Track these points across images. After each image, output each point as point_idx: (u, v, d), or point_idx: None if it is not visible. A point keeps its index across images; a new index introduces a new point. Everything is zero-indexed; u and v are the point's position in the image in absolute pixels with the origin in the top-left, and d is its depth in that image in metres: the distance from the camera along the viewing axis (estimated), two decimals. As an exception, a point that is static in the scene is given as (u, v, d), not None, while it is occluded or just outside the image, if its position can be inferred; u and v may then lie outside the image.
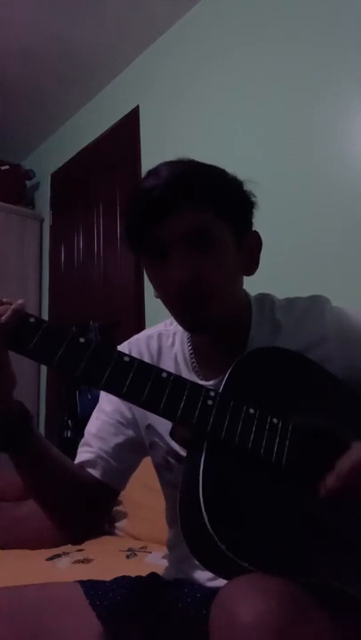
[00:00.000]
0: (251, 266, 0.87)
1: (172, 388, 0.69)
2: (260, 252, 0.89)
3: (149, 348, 0.94)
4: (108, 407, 0.94)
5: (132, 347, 0.95)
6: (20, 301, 0.69)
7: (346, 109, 1.87)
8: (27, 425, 0.76)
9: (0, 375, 0.70)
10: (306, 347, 0.83)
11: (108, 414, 0.93)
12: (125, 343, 0.98)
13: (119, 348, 0.97)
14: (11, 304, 0.69)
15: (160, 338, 0.95)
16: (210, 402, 0.69)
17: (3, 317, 0.67)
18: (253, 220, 0.87)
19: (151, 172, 0.82)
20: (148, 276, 0.86)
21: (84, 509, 0.89)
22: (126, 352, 0.93)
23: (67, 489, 0.86)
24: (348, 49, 1.88)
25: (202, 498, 0.63)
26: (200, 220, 0.79)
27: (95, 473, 0.90)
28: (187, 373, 0.89)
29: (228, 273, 0.83)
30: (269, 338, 0.86)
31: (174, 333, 0.94)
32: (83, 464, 0.91)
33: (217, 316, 0.80)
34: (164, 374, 0.70)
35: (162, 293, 0.84)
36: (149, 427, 0.90)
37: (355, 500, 0.69)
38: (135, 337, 0.98)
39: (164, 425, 0.84)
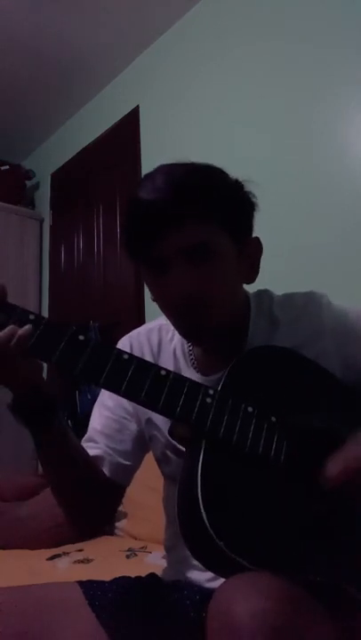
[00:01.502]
0: (251, 273, 0.86)
1: (171, 386, 0.69)
2: (260, 259, 0.87)
3: (150, 341, 0.94)
4: (110, 402, 0.95)
5: (132, 340, 0.96)
6: (26, 327, 0.67)
7: (346, 109, 1.87)
8: (54, 405, 0.78)
9: (23, 367, 0.71)
10: (303, 342, 0.83)
11: (111, 410, 0.94)
12: (126, 337, 0.98)
13: (120, 341, 0.97)
14: (14, 307, 0.69)
15: (160, 331, 0.95)
16: (208, 400, 0.70)
17: (11, 345, 0.66)
18: (254, 222, 0.85)
19: (148, 180, 0.79)
20: (145, 283, 0.85)
21: (95, 499, 0.90)
22: (127, 345, 0.94)
23: (83, 473, 0.87)
24: (348, 49, 1.88)
25: (200, 495, 0.63)
26: (200, 232, 0.77)
27: (103, 469, 0.90)
28: (185, 368, 0.89)
29: (229, 284, 0.82)
30: (268, 334, 0.86)
31: (173, 328, 0.94)
32: None
33: (216, 327, 0.80)
34: (163, 372, 0.70)
35: (160, 304, 0.83)
36: (149, 420, 0.91)
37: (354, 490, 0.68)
38: (136, 330, 0.98)
39: (163, 419, 0.84)
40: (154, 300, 0.86)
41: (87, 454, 0.90)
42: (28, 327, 0.67)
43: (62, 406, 2.59)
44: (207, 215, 0.77)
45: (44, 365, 0.73)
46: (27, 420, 0.77)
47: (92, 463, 0.90)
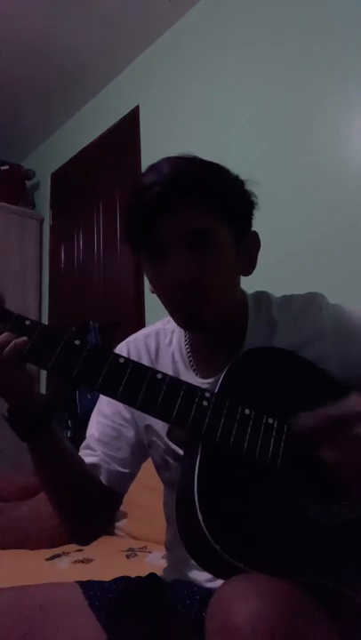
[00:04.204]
0: (249, 266, 0.87)
1: (168, 390, 0.69)
2: (258, 253, 0.88)
3: (147, 346, 0.94)
4: (107, 409, 0.94)
5: (130, 346, 0.96)
6: (23, 338, 0.68)
7: (347, 108, 1.87)
8: (49, 415, 0.78)
9: (16, 376, 0.72)
10: (302, 343, 0.83)
11: (108, 417, 0.94)
12: (123, 343, 0.98)
13: (117, 347, 0.97)
14: (10, 313, 0.69)
15: (158, 336, 0.95)
16: (205, 403, 0.69)
17: (5, 352, 0.67)
18: (253, 220, 0.87)
19: (153, 167, 0.80)
20: (145, 271, 0.86)
21: (92, 508, 0.89)
22: (125, 351, 0.93)
23: (79, 482, 0.87)
24: (348, 48, 1.88)
25: (197, 498, 0.63)
26: (201, 219, 0.78)
27: (100, 477, 0.90)
28: (184, 371, 0.89)
29: (227, 274, 0.83)
30: (266, 335, 0.86)
31: (172, 331, 0.94)
32: None
33: (213, 316, 0.80)
34: (160, 375, 0.70)
35: (159, 291, 0.84)
36: (148, 427, 0.91)
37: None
38: (133, 336, 0.98)
39: (161, 425, 0.85)
40: (152, 292, 0.86)
41: (83, 463, 0.90)
42: (25, 338, 0.68)
43: (59, 414, 2.60)
44: (208, 204, 0.78)
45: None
46: (22, 431, 0.77)
47: (89, 472, 0.89)
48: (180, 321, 0.84)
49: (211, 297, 0.79)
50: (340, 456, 0.68)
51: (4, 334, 0.68)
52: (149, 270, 0.84)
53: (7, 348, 0.67)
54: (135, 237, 0.83)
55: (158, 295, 0.84)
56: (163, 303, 0.84)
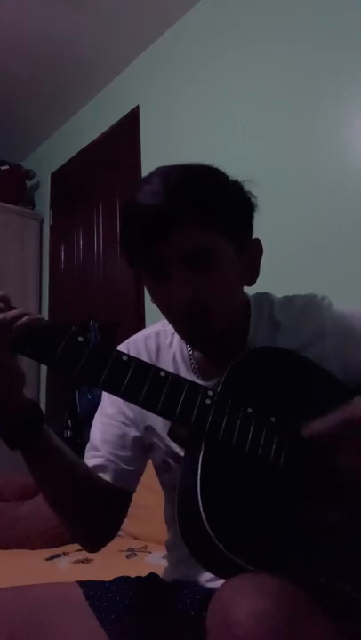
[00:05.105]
0: (251, 276, 0.86)
1: (171, 388, 0.69)
2: (260, 261, 0.86)
3: (148, 348, 0.94)
4: (110, 410, 0.94)
5: (130, 347, 0.95)
6: (38, 316, 0.68)
7: (347, 108, 1.87)
8: (37, 422, 0.75)
9: (5, 375, 0.69)
10: (304, 343, 0.83)
11: (111, 417, 0.93)
12: (124, 344, 0.97)
13: (118, 348, 0.97)
14: (26, 314, 0.68)
15: (158, 337, 0.95)
16: (208, 401, 0.69)
17: (14, 325, 0.66)
18: (254, 222, 0.84)
19: (145, 184, 0.78)
20: (144, 284, 0.84)
21: (99, 512, 0.87)
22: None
23: (81, 490, 0.85)
24: (349, 48, 1.88)
25: (200, 497, 0.63)
26: (200, 237, 0.76)
27: (106, 477, 0.89)
28: (185, 373, 0.89)
29: (230, 289, 0.82)
30: (268, 336, 0.86)
31: (173, 333, 0.93)
32: (93, 469, 0.90)
33: (217, 331, 0.80)
34: (163, 373, 0.70)
35: (161, 308, 0.82)
36: (148, 428, 0.90)
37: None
38: (133, 337, 0.98)
39: (162, 426, 0.85)
40: (153, 302, 0.85)
41: (85, 467, 0.88)
42: (38, 317, 0.67)
43: (59, 414, 2.58)
44: (206, 220, 0.76)
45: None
46: (12, 437, 0.74)
47: (90, 475, 0.87)
48: (183, 335, 0.84)
49: (213, 314, 0.78)
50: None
51: (19, 309, 0.67)
52: (149, 286, 0.82)
53: (19, 322, 0.66)
54: (133, 258, 0.81)
55: (160, 309, 0.83)
56: (165, 317, 0.84)
